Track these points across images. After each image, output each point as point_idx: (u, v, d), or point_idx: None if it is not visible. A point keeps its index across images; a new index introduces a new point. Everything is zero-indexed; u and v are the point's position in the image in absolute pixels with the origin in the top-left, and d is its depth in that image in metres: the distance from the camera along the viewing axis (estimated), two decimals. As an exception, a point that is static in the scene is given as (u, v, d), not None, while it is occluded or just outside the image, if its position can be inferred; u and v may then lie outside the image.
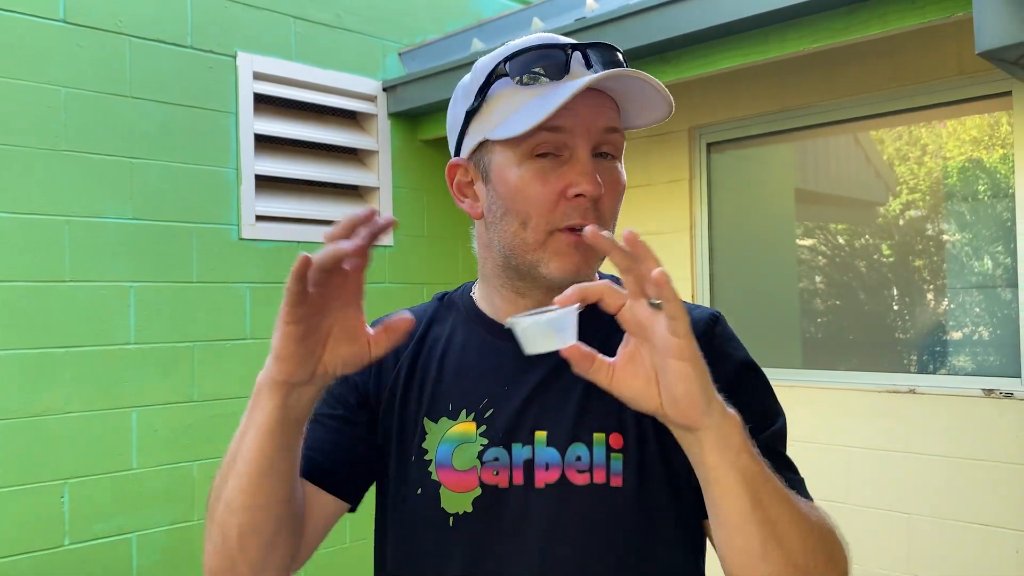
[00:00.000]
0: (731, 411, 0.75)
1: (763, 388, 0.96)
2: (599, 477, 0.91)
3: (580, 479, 0.91)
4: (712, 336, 0.95)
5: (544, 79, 0.89)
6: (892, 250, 2.98)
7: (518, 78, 0.90)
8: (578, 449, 0.92)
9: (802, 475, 0.93)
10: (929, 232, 2.86)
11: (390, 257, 3.14)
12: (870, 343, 2.99)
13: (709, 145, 3.15)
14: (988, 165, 2.66)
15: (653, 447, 0.91)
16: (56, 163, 2.38)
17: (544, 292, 0.93)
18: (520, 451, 0.92)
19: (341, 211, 3.01)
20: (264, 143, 2.85)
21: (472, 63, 1.01)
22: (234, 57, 2.76)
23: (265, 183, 2.84)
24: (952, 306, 2.77)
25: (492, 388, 0.95)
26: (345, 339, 0.79)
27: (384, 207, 3.13)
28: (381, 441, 0.99)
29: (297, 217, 2.88)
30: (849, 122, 2.84)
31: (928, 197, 2.88)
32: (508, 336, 0.91)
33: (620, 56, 0.92)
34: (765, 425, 0.91)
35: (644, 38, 2.40)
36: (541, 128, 0.86)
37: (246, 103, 2.78)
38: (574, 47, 0.90)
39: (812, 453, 2.62)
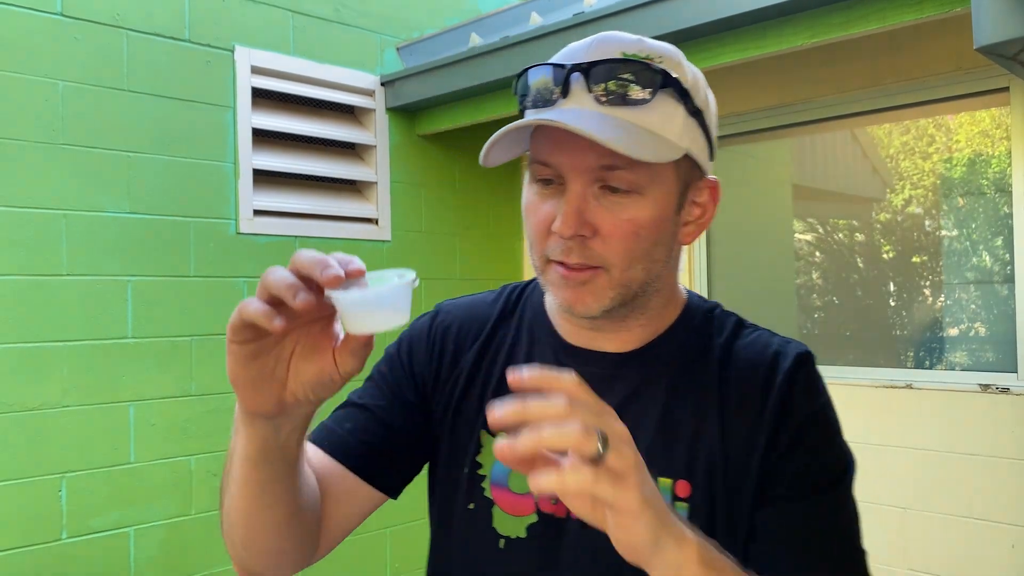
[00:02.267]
0: (690, 536, 0.70)
1: (825, 446, 0.89)
2: None
3: None
4: (792, 383, 0.88)
5: (534, 104, 0.85)
6: (889, 245, 2.98)
7: (519, 100, 0.89)
8: None
9: (862, 546, 0.87)
10: (926, 227, 2.86)
11: (387, 252, 3.14)
12: (867, 338, 2.99)
13: (707, 140, 3.14)
14: (985, 160, 2.65)
15: (722, 502, 0.86)
16: (53, 157, 2.38)
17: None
18: None
19: (339, 206, 3.01)
20: (262, 138, 2.85)
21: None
22: (232, 51, 2.75)
23: (263, 178, 2.84)
24: (949, 302, 2.77)
25: None
26: (308, 358, 0.69)
27: (382, 202, 3.13)
28: (432, 439, 0.96)
29: (295, 212, 2.88)
30: (847, 117, 2.84)
31: (925, 192, 2.88)
32: (579, 358, 0.91)
33: (626, 79, 0.83)
34: (816, 488, 0.85)
35: (641, 33, 2.37)
36: (535, 159, 0.85)
37: (244, 97, 2.77)
38: (575, 67, 0.83)
39: (809, 448, 2.61)
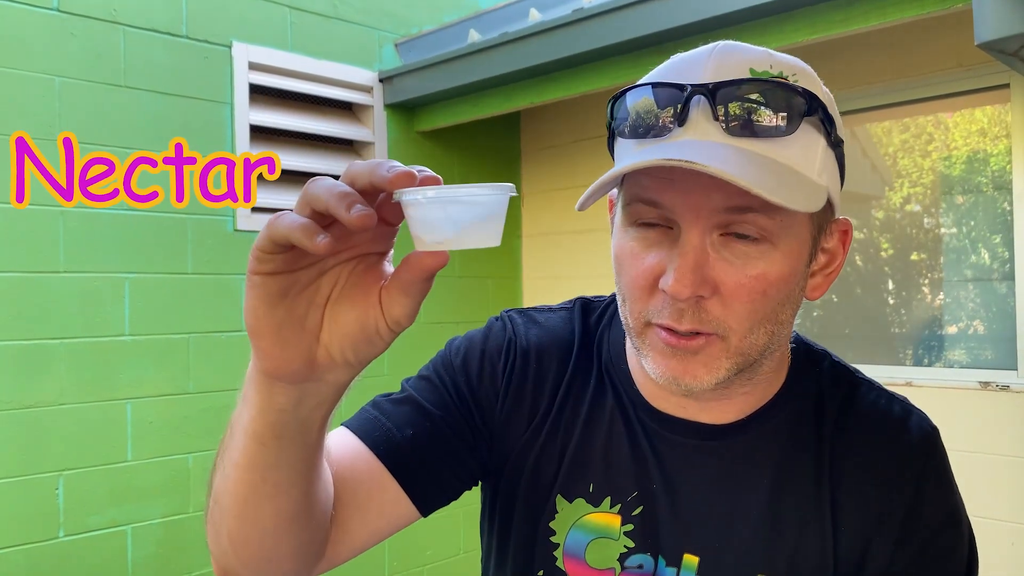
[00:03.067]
0: None
1: (954, 552, 0.78)
2: None
3: None
4: (925, 475, 0.77)
5: (637, 132, 0.70)
6: (888, 243, 2.97)
7: (611, 124, 0.73)
8: None
9: None
10: (926, 224, 2.86)
11: (386, 249, 3.12)
12: (866, 336, 2.99)
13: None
14: (986, 157, 2.65)
15: None
16: (50, 153, 2.36)
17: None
18: (664, 570, 0.78)
19: (337, 203, 2.99)
20: (259, 134, 2.84)
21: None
22: (229, 47, 2.74)
23: (261, 174, 2.83)
24: (948, 299, 2.77)
25: (643, 481, 0.79)
26: (349, 303, 0.54)
27: (380, 199, 3.11)
28: (484, 470, 0.84)
29: (293, 209, 2.86)
30: (847, 115, 2.83)
31: (925, 190, 2.88)
32: (671, 427, 0.79)
33: (762, 103, 0.66)
34: None
35: (641, 29, 2.39)
36: (638, 199, 0.70)
37: (241, 93, 2.76)
38: (697, 90, 0.67)
39: (808, 446, 2.61)
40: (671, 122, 0.68)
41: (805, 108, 0.67)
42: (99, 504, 2.43)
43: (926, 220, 2.86)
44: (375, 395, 0.89)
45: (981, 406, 2.40)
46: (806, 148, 0.68)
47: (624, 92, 0.72)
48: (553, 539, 0.80)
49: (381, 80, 3.12)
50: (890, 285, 3.00)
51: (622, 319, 0.76)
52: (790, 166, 0.67)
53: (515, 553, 0.83)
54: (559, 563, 0.80)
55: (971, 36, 1.78)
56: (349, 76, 3.04)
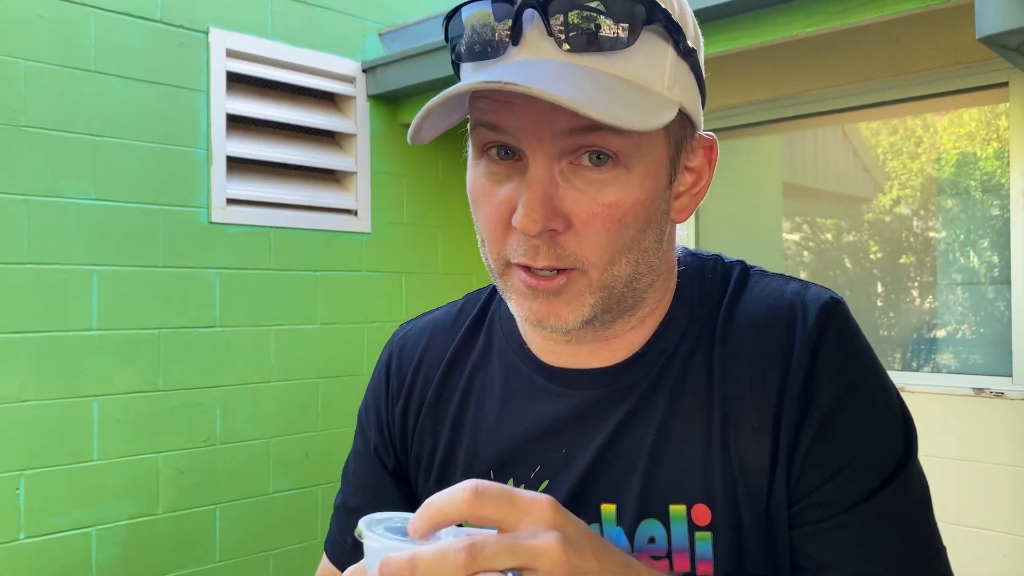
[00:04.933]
0: None
1: (869, 431, 0.68)
2: (681, 564, 0.70)
3: (657, 566, 0.69)
4: (816, 350, 0.68)
5: (473, 54, 0.66)
6: (880, 246, 2.92)
7: (452, 50, 0.69)
8: (651, 528, 0.71)
9: (937, 546, 0.72)
10: (918, 228, 2.80)
11: (367, 244, 3.04)
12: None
13: (697, 134, 3.07)
14: (980, 160, 2.60)
15: (749, 524, 0.69)
16: (14, 139, 2.27)
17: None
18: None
19: (317, 196, 2.91)
20: (237, 123, 2.75)
21: None
22: (206, 33, 2.65)
23: (237, 165, 2.74)
24: (941, 304, 2.72)
25: (546, 451, 0.75)
26: None
27: (362, 192, 3.03)
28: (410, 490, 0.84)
29: (270, 201, 2.78)
30: (842, 112, 2.78)
31: (917, 192, 2.83)
32: (560, 380, 0.75)
33: (598, 12, 0.62)
34: (864, 493, 0.67)
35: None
36: (479, 123, 0.66)
37: (218, 82, 2.67)
38: (527, 3, 0.63)
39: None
40: (504, 41, 0.64)
41: (645, 15, 0.62)
42: (62, 505, 2.34)
43: (916, 223, 2.80)
44: (360, 396, 0.91)
45: (975, 413, 2.35)
46: (651, 60, 0.64)
47: (457, 8, 0.67)
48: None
49: (364, 70, 3.03)
50: (879, 288, 2.94)
51: (484, 261, 0.73)
52: (633, 81, 0.63)
53: None
54: None
55: (971, 32, 1.73)
56: (331, 66, 2.95)
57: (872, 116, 2.83)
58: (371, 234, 3.05)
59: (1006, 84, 2.34)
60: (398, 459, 0.84)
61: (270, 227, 2.77)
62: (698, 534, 0.70)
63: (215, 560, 2.62)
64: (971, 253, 2.61)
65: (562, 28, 0.62)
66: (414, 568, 0.50)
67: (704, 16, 2.23)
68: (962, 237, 2.62)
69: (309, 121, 2.90)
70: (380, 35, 3.12)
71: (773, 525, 0.69)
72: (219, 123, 2.66)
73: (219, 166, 2.66)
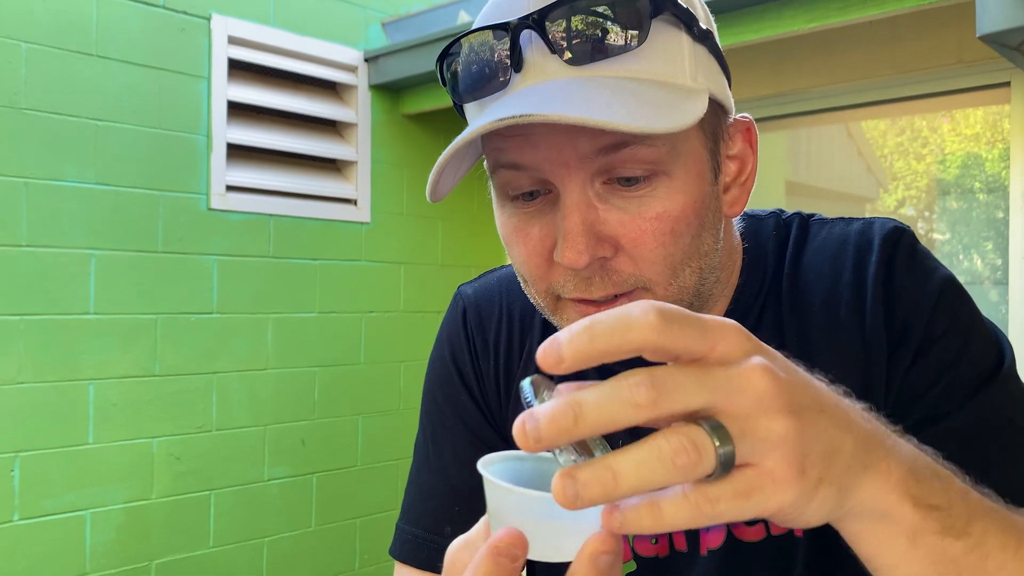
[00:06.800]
0: (889, 466, 0.44)
1: (960, 347, 0.65)
2: (778, 527, 0.66)
3: (752, 533, 0.67)
4: (889, 284, 0.64)
5: (474, 90, 0.61)
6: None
7: (452, 91, 0.65)
8: None
9: None
10: (922, 229, 2.79)
11: (366, 234, 3.04)
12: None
13: (699, 130, 3.06)
14: (986, 162, 2.59)
15: None
16: (14, 122, 2.27)
17: None
18: None
19: (317, 184, 2.91)
20: (237, 111, 2.75)
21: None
22: (208, 20, 2.65)
23: (237, 152, 2.74)
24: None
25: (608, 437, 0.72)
26: None
27: (362, 182, 3.03)
28: None
29: (270, 189, 2.78)
30: (844, 109, 2.76)
31: (922, 193, 2.82)
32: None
33: (600, 16, 0.57)
34: (965, 395, 0.63)
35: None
36: (498, 165, 0.62)
37: (220, 68, 2.67)
38: (522, 24, 0.58)
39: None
40: (507, 69, 0.59)
41: (650, 8, 0.57)
42: (57, 487, 2.35)
43: (920, 224, 2.79)
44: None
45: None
46: (668, 52, 0.59)
47: (448, 48, 0.62)
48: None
49: (367, 60, 3.03)
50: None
51: (531, 299, 0.68)
52: (654, 79, 0.58)
53: None
54: (630, 541, 0.73)
55: (971, 31, 1.71)
56: (333, 54, 2.95)
57: (874, 114, 2.82)
58: (371, 224, 3.05)
59: (1008, 84, 2.33)
60: (494, 421, 0.78)
61: (269, 215, 2.77)
62: None
63: (209, 546, 2.63)
64: (974, 255, 2.60)
65: (564, 42, 0.57)
66: (579, 413, 0.38)
67: (711, 11, 2.22)
68: (966, 238, 2.61)
69: (310, 109, 2.90)
70: (383, 24, 3.11)
71: None
72: (220, 110, 2.66)
73: (219, 153, 2.66)
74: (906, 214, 2.84)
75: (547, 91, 0.56)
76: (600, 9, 0.56)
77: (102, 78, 2.43)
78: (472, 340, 0.79)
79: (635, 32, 0.57)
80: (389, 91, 3.11)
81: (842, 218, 0.73)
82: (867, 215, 0.74)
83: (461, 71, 0.61)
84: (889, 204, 2.93)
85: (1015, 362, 0.67)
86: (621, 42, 0.57)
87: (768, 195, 3.39)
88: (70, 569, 2.36)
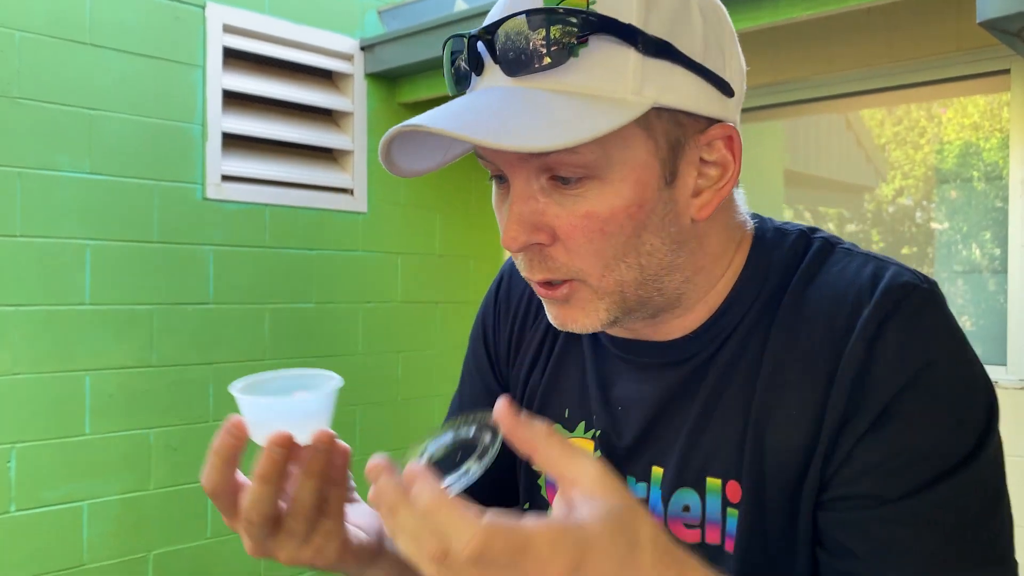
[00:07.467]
0: None
1: (930, 420, 0.62)
2: (713, 536, 0.70)
3: (688, 535, 0.71)
4: (879, 331, 0.64)
5: (459, 85, 0.70)
6: (882, 236, 2.90)
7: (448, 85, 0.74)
8: (686, 496, 0.72)
9: (1008, 559, 0.63)
10: (920, 219, 2.79)
11: (362, 224, 3.03)
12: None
13: (697, 119, 3.04)
14: (984, 151, 2.58)
15: (775, 506, 0.67)
16: (8, 111, 2.26)
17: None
18: (634, 487, 0.76)
19: (313, 174, 2.90)
20: (233, 100, 2.73)
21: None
22: (203, 8, 2.63)
23: (233, 142, 2.72)
24: (939, 292, 2.70)
25: (608, 401, 0.78)
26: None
27: (358, 171, 3.02)
28: None
29: (266, 179, 2.77)
30: (843, 97, 2.75)
31: (920, 183, 2.81)
32: (619, 346, 0.78)
33: (531, 38, 0.62)
34: (914, 485, 0.61)
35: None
36: (476, 153, 0.71)
37: (215, 57, 2.65)
38: (477, 35, 0.66)
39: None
40: (470, 73, 0.68)
41: (579, 29, 0.61)
42: (54, 478, 2.34)
43: (918, 214, 2.79)
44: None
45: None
46: (606, 68, 0.62)
47: (445, 44, 0.71)
48: (535, 468, 0.78)
49: (363, 48, 3.01)
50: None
51: None
52: (584, 93, 0.62)
53: (516, 489, 0.86)
54: (543, 492, 0.81)
55: (973, 19, 1.70)
56: (329, 43, 2.93)
57: (872, 103, 2.80)
58: (367, 214, 3.04)
59: (1008, 72, 2.32)
60: (500, 379, 0.91)
61: (265, 204, 2.76)
62: (729, 510, 0.70)
63: (206, 537, 2.63)
64: (972, 244, 2.59)
65: (503, 54, 0.64)
66: (391, 514, 0.53)
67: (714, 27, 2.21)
68: (964, 228, 2.61)
69: (306, 99, 2.88)
70: (379, 13, 3.09)
71: (797, 520, 0.67)
72: (215, 99, 2.65)
73: (214, 142, 2.64)
74: (904, 203, 2.84)
75: (482, 98, 0.64)
76: (537, 26, 0.62)
77: (96, 67, 2.41)
78: (499, 305, 0.91)
79: (567, 49, 0.62)
80: (385, 80, 3.09)
81: (868, 253, 0.72)
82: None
83: (445, 68, 0.71)
84: (887, 193, 2.93)
85: (996, 446, 0.64)
86: (552, 59, 0.62)
87: (767, 184, 3.38)
88: (67, 560, 2.36)
